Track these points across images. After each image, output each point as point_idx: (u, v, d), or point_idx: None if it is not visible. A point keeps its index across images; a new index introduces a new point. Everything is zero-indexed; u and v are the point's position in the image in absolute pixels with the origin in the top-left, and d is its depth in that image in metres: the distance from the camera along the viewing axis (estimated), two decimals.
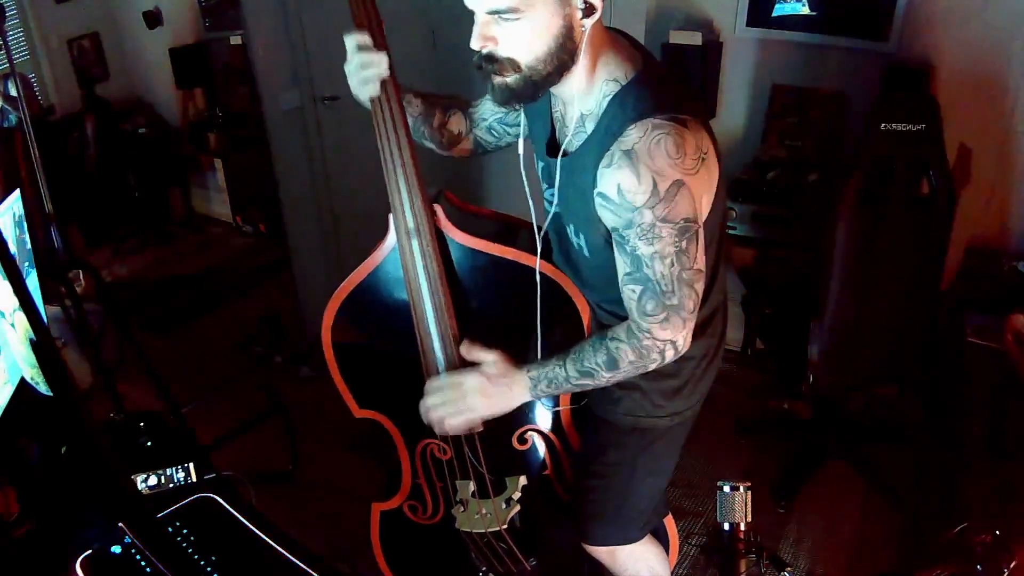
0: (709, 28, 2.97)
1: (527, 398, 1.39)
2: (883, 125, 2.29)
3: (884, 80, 2.65)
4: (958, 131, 2.56)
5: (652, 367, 1.32)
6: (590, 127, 1.27)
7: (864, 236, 2.35)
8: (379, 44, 1.32)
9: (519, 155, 1.44)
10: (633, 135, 1.18)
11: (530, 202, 1.44)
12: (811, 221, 2.66)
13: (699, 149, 1.20)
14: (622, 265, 1.26)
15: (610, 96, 1.24)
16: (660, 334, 1.27)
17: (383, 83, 1.33)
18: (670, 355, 1.31)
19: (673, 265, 1.22)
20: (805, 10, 2.82)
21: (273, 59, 2.98)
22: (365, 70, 1.32)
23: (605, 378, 1.33)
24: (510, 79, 1.23)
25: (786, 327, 2.90)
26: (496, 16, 1.18)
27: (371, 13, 1.32)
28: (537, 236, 1.43)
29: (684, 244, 1.21)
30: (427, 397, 1.44)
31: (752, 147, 3.00)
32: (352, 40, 1.31)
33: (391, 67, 1.33)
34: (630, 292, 1.26)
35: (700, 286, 1.26)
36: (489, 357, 1.40)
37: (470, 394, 1.39)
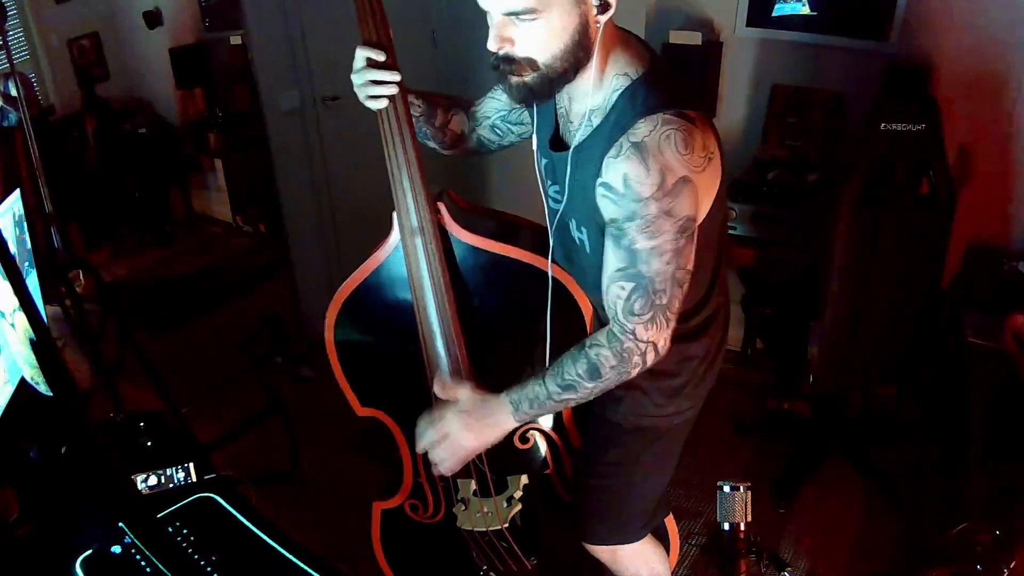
0: (709, 28, 2.98)
1: (512, 423, 1.37)
2: (883, 125, 2.29)
3: (884, 80, 2.65)
4: (958, 131, 2.56)
5: (634, 373, 1.30)
6: (597, 121, 1.27)
7: (864, 236, 2.35)
8: (391, 62, 1.31)
9: (534, 150, 1.44)
10: (643, 129, 1.18)
11: (544, 199, 1.44)
12: (811, 221, 2.66)
13: (706, 148, 1.20)
14: (613, 261, 1.24)
15: (620, 91, 1.24)
16: (643, 335, 1.25)
17: (392, 98, 1.33)
18: (651, 359, 1.29)
19: (669, 263, 1.21)
20: (805, 10, 2.82)
21: (273, 59, 2.98)
22: (376, 88, 1.32)
23: (588, 389, 1.31)
24: (528, 78, 1.23)
25: (786, 327, 2.90)
26: (513, 17, 1.18)
27: (382, 30, 1.31)
28: (550, 236, 1.43)
29: (682, 243, 1.21)
30: (418, 441, 1.45)
31: (752, 147, 3.01)
32: (364, 55, 1.31)
33: (400, 81, 1.33)
34: (618, 289, 1.24)
35: (686, 288, 1.26)
36: (462, 393, 1.40)
37: (454, 434, 1.40)
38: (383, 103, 1.34)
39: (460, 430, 1.39)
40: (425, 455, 1.60)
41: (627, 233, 1.21)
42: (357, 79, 1.33)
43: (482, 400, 1.39)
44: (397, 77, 1.32)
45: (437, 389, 1.43)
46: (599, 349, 1.28)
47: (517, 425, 1.39)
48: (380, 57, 1.31)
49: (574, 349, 1.32)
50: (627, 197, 1.19)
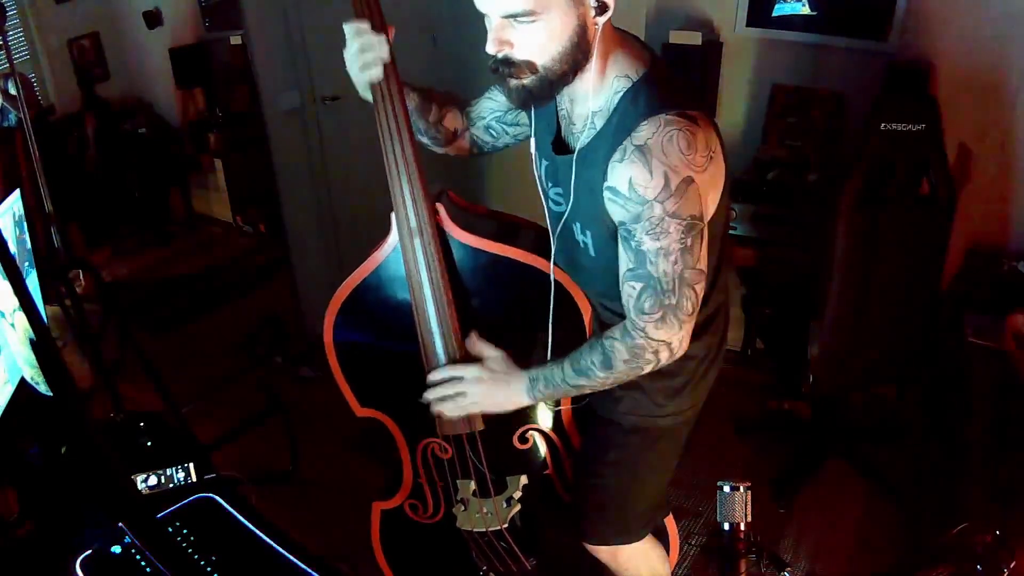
0: (709, 28, 2.98)
1: (524, 398, 1.40)
2: (883, 125, 2.29)
3: (884, 80, 2.65)
4: (958, 131, 2.56)
5: (647, 368, 1.31)
6: (600, 123, 1.27)
7: (864, 236, 2.35)
8: (378, 28, 1.31)
9: (532, 154, 1.44)
10: (646, 131, 1.19)
11: (544, 201, 1.44)
12: (811, 221, 2.66)
13: (708, 147, 1.20)
14: (625, 261, 1.26)
15: (621, 92, 1.25)
16: (655, 334, 1.27)
17: (384, 67, 1.32)
18: (664, 357, 1.30)
19: (677, 263, 1.22)
20: (805, 10, 2.82)
21: (273, 59, 2.98)
22: (365, 53, 1.30)
23: (600, 379, 1.33)
24: (527, 81, 1.23)
25: (786, 327, 2.90)
26: (512, 19, 1.18)
27: (373, 3, 1.31)
28: (552, 238, 1.43)
29: (689, 242, 1.21)
30: (429, 384, 1.44)
31: (752, 147, 3.00)
32: (351, 27, 1.31)
33: (391, 53, 1.32)
34: (630, 288, 1.26)
35: (700, 288, 1.26)
36: (493, 352, 1.41)
37: (470, 385, 1.41)
38: (377, 73, 1.31)
39: (476, 383, 1.40)
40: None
41: (634, 235, 1.22)
42: (348, 53, 1.32)
43: (508, 365, 1.41)
44: (383, 39, 1.30)
45: (468, 343, 1.43)
46: (614, 342, 1.30)
47: (528, 402, 1.41)
48: (367, 25, 1.29)
49: (592, 338, 1.35)
50: (632, 200, 1.20)
